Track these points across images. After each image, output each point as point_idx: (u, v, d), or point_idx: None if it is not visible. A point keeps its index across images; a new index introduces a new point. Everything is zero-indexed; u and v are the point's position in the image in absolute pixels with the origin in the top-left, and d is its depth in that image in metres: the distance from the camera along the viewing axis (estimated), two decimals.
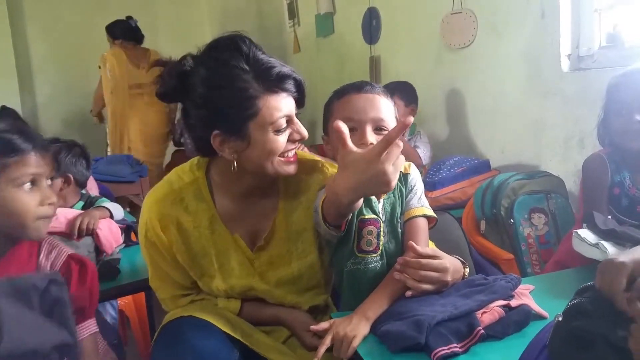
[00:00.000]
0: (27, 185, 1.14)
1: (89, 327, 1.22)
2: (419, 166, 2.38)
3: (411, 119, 0.95)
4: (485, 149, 2.58)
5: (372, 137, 1.16)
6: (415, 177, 1.27)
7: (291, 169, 1.16)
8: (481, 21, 2.51)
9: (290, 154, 1.16)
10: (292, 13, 4.70)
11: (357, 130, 1.17)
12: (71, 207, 1.84)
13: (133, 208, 3.68)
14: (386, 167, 0.93)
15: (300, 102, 1.17)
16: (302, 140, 1.17)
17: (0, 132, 1.14)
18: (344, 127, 0.98)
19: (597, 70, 1.99)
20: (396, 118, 1.25)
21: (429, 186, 2.15)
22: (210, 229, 1.22)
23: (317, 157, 1.34)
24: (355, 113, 1.18)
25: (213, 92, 1.09)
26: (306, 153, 1.37)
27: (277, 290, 1.26)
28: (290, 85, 1.12)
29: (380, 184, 0.95)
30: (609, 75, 1.87)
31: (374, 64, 3.47)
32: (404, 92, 2.56)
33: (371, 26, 3.47)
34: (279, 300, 1.27)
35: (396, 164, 0.95)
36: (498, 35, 2.41)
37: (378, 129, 1.18)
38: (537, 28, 2.19)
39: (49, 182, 1.19)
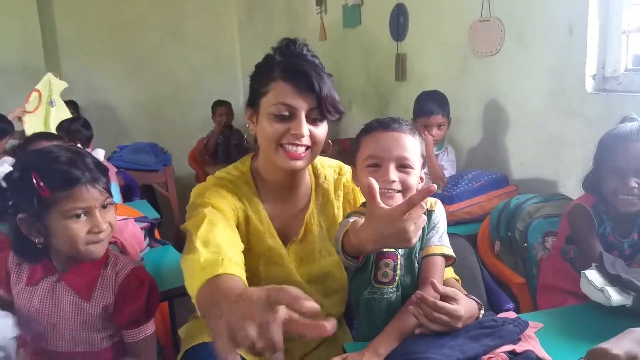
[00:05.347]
0: (78, 215, 1.22)
1: (144, 331, 1.34)
2: (440, 179, 2.41)
3: (435, 187, 1.00)
4: (506, 160, 2.59)
5: (394, 175, 1.21)
6: (440, 215, 1.30)
7: (292, 164, 1.24)
8: (508, 31, 2.49)
9: (291, 148, 1.23)
10: (319, 0, 4.67)
11: (380, 167, 1.23)
12: None
13: (156, 199, 3.79)
14: (407, 225, 0.98)
15: (322, 110, 1.23)
16: (298, 137, 1.22)
17: (52, 163, 1.21)
18: (374, 184, 1.03)
19: (621, 94, 1.98)
20: (422, 155, 1.28)
21: (447, 200, 2.18)
22: (258, 219, 1.32)
23: (337, 162, 1.49)
24: (380, 150, 1.23)
25: (254, 71, 1.29)
26: (332, 160, 1.50)
27: (308, 286, 1.36)
28: (302, 83, 1.20)
29: (401, 240, 1.01)
30: (633, 101, 1.89)
31: (400, 61, 3.47)
32: (443, 105, 2.57)
33: (398, 22, 3.45)
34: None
35: (418, 223, 1.00)
36: (524, 47, 2.40)
37: (402, 166, 1.23)
38: (564, 45, 2.17)
39: (104, 207, 1.27)
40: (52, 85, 3.63)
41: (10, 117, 3.43)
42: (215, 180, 1.34)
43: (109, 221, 1.27)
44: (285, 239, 1.36)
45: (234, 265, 0.99)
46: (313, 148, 1.26)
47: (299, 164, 1.25)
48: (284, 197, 1.37)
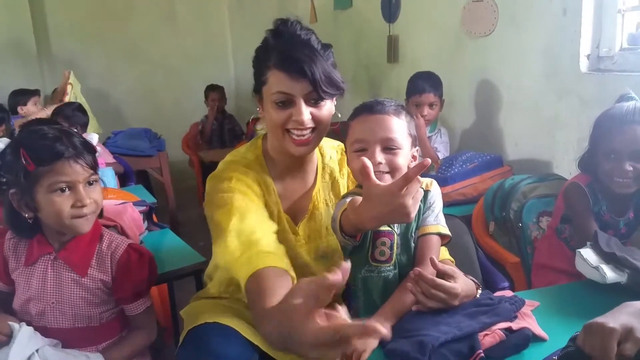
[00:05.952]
0: (62, 190, 1.25)
1: (145, 303, 1.41)
2: (434, 161, 2.40)
3: (429, 161, 1.02)
4: (499, 140, 2.60)
5: (380, 157, 1.22)
6: (435, 195, 1.32)
7: (299, 150, 1.27)
8: (502, 12, 2.48)
9: (296, 133, 1.25)
10: None
11: (367, 150, 1.23)
12: None
13: (150, 185, 3.77)
14: (406, 200, 1.01)
15: (318, 93, 1.22)
16: (299, 123, 1.23)
17: (40, 139, 1.25)
18: (368, 163, 1.05)
19: (616, 73, 1.98)
20: (410, 134, 1.28)
21: (441, 181, 2.17)
22: (272, 202, 1.34)
23: (338, 142, 1.50)
24: (364, 134, 1.24)
25: (254, 57, 1.30)
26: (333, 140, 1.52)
27: (315, 263, 1.38)
28: (294, 70, 1.20)
29: (401, 215, 1.03)
30: (627, 80, 1.89)
31: (392, 43, 3.45)
32: (436, 85, 2.55)
33: (390, 4, 3.43)
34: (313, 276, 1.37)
35: (415, 197, 1.03)
36: (518, 28, 2.39)
37: (387, 148, 1.23)
38: (558, 24, 2.17)
39: (89, 184, 1.29)
40: (75, 83, 3.96)
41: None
42: (232, 166, 1.33)
43: (94, 198, 1.30)
44: (295, 217, 1.38)
45: (272, 258, 1.07)
46: (318, 128, 1.27)
47: (307, 149, 1.28)
48: (293, 176, 1.39)
